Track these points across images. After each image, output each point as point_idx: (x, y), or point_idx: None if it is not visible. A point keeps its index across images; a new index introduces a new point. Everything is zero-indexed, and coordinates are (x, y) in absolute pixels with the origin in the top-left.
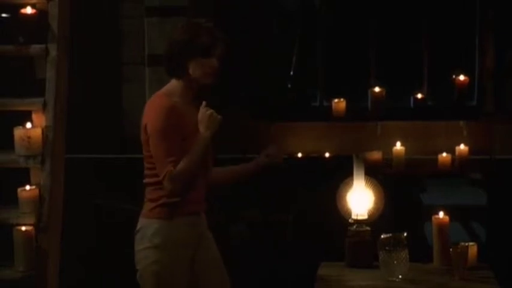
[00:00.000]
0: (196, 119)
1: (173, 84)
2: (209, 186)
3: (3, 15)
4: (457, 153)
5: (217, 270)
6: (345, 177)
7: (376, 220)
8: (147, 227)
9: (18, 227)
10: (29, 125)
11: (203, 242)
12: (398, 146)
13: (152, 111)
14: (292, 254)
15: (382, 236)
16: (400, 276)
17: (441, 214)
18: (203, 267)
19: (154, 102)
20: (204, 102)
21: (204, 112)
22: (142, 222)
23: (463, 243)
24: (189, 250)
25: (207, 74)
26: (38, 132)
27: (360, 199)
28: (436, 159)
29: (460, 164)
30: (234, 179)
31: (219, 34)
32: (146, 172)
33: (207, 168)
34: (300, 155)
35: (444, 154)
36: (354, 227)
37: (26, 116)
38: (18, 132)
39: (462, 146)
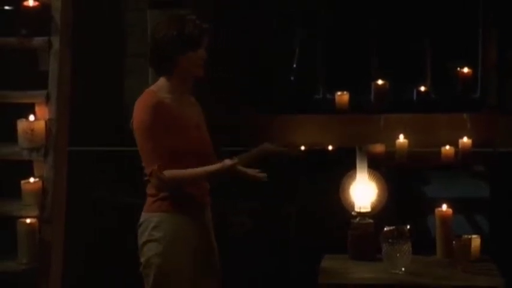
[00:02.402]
0: (188, 113)
1: (163, 80)
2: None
3: (6, 7)
4: (460, 145)
5: (214, 261)
6: (347, 170)
7: (379, 213)
8: (149, 221)
9: (22, 220)
10: (32, 117)
11: (204, 234)
12: (402, 138)
13: (137, 108)
14: (294, 246)
15: (385, 229)
16: (403, 269)
17: (444, 207)
18: (202, 258)
19: (140, 99)
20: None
21: (230, 165)
22: (143, 216)
23: (466, 236)
24: (191, 242)
25: (198, 66)
26: (41, 124)
27: (363, 192)
28: (439, 152)
29: (463, 157)
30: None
31: (204, 24)
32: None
33: (209, 164)
34: (302, 147)
35: (447, 147)
36: (357, 219)
37: (29, 109)
38: (21, 124)
39: (465, 139)
